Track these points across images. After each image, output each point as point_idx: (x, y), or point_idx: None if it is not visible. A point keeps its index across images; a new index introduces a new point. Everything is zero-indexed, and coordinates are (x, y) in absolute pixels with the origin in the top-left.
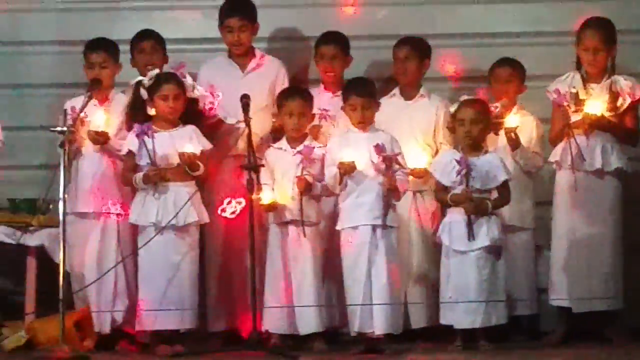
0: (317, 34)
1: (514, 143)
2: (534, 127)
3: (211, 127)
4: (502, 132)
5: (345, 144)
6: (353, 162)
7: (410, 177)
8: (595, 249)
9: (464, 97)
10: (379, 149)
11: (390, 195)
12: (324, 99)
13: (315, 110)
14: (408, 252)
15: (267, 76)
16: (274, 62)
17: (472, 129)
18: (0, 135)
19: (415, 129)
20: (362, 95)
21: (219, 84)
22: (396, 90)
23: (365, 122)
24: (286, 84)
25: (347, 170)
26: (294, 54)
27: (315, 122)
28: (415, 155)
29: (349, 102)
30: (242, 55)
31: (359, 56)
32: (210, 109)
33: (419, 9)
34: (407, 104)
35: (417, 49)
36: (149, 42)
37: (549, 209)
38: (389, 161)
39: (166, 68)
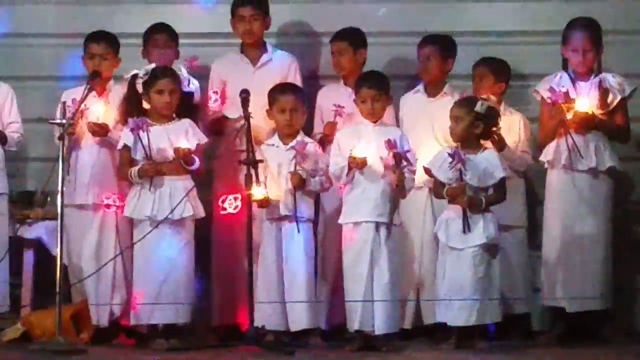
0: (328, 30)
1: (499, 145)
2: (522, 126)
3: (216, 123)
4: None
5: (354, 136)
6: (365, 157)
7: (425, 175)
8: (588, 248)
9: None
10: (390, 144)
11: (397, 192)
12: (343, 94)
13: (330, 107)
14: (421, 249)
15: (278, 71)
16: (285, 57)
17: (455, 127)
18: (21, 128)
19: (436, 126)
20: (373, 87)
21: (230, 79)
22: (420, 87)
23: (374, 114)
24: (298, 79)
25: (358, 165)
26: (305, 49)
27: (331, 118)
28: (433, 152)
29: (360, 94)
30: (253, 47)
31: (382, 52)
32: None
33: (431, 5)
34: (429, 101)
35: (440, 47)
36: (162, 36)
37: (538, 209)
38: (399, 157)
39: (177, 61)
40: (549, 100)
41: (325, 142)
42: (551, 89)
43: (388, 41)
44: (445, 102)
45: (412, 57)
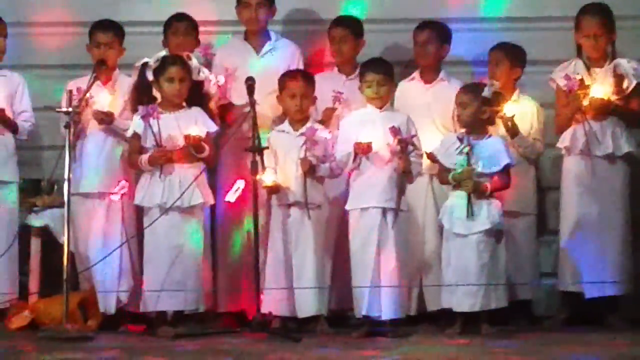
0: (333, 17)
1: (512, 131)
2: (535, 112)
3: (222, 110)
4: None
5: (361, 122)
6: (370, 142)
7: (427, 161)
8: (606, 234)
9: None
10: (395, 131)
11: (404, 178)
12: (339, 82)
13: (329, 93)
14: (423, 236)
15: (282, 58)
16: (289, 45)
17: (462, 112)
18: (32, 117)
19: (434, 112)
20: (378, 72)
21: (234, 66)
22: (416, 74)
23: (380, 99)
24: (301, 67)
25: (364, 151)
26: (310, 37)
27: (329, 104)
28: (432, 138)
29: (365, 78)
30: (257, 34)
31: (373, 39)
32: (220, 91)
33: None
34: (426, 87)
35: (437, 32)
36: (182, 24)
37: (550, 194)
38: (405, 144)
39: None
40: (564, 88)
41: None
42: (566, 77)
43: (390, 28)
44: (441, 88)
45: (407, 44)
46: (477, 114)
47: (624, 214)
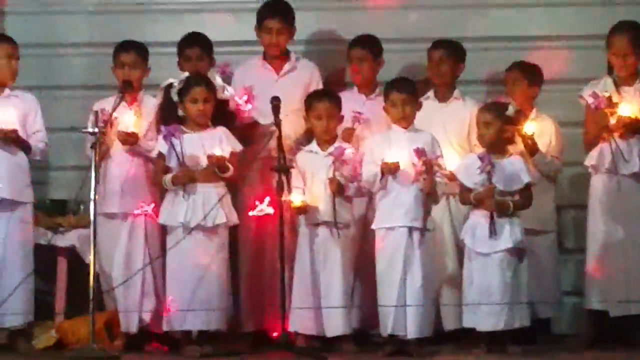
0: (352, 37)
1: (531, 149)
2: (553, 131)
3: (245, 128)
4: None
5: (386, 142)
6: (397, 162)
7: (444, 180)
8: (632, 252)
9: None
10: (419, 152)
11: (430, 199)
12: (358, 102)
13: (349, 113)
14: (441, 255)
15: (301, 79)
16: (308, 65)
17: (484, 132)
18: (46, 137)
19: (449, 131)
20: (402, 91)
21: (253, 86)
22: (430, 93)
23: (405, 119)
24: (320, 87)
25: (391, 170)
26: (330, 56)
27: (349, 124)
28: (448, 157)
29: (390, 98)
30: (277, 57)
31: (394, 59)
32: (241, 110)
33: (451, 12)
34: (441, 106)
35: (451, 51)
36: (194, 49)
37: (571, 212)
38: (430, 165)
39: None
40: (592, 106)
41: None
42: (593, 94)
43: (405, 48)
44: (456, 107)
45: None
46: (500, 134)
47: None
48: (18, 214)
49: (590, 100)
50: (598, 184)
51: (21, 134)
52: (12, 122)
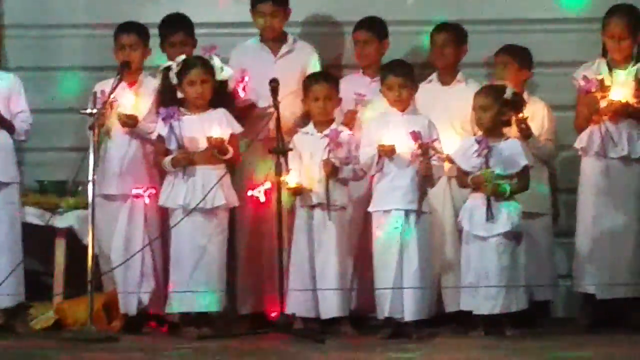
0: (351, 19)
1: (525, 132)
2: (545, 114)
3: (243, 110)
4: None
5: (383, 125)
6: (393, 145)
7: (446, 163)
8: (620, 235)
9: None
10: (415, 136)
11: (426, 182)
12: (363, 84)
13: (352, 95)
14: (441, 238)
15: (298, 61)
16: (305, 47)
17: (482, 115)
18: (30, 117)
19: (452, 114)
20: (399, 74)
21: (251, 68)
22: (434, 76)
23: (402, 102)
24: (317, 69)
25: (387, 153)
26: (328, 39)
27: (352, 106)
28: (451, 140)
29: (386, 81)
30: (273, 39)
31: (396, 41)
32: (236, 90)
33: None
34: (444, 89)
35: (454, 34)
36: (177, 36)
37: (565, 196)
38: (426, 148)
39: (197, 51)
40: (583, 89)
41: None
42: (584, 78)
43: (407, 30)
44: (459, 90)
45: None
46: (497, 117)
47: (638, 215)
48: (3, 194)
49: (582, 83)
50: (587, 167)
51: (4, 114)
52: None
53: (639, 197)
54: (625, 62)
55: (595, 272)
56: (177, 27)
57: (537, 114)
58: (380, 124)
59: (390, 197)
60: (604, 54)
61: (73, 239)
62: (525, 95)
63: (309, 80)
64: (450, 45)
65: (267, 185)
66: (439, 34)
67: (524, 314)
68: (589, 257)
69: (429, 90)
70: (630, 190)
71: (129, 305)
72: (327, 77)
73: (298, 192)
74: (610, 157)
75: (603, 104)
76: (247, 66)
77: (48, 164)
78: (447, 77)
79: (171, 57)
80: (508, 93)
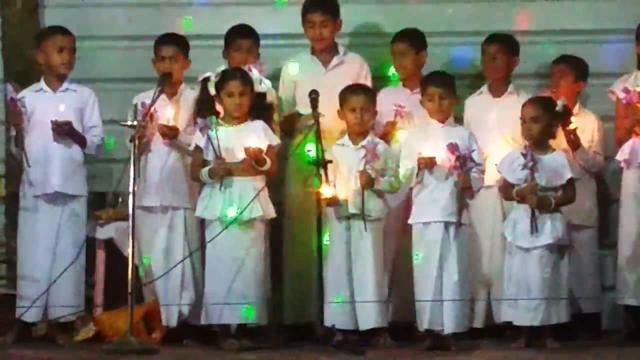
0: (399, 30)
1: (574, 144)
2: (596, 127)
3: (288, 119)
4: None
5: (423, 137)
6: (433, 157)
7: (498, 174)
8: None
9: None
10: (452, 147)
11: (464, 193)
12: (402, 96)
13: (391, 107)
14: (491, 248)
15: (349, 72)
16: (356, 58)
17: (532, 127)
18: (102, 132)
19: (504, 126)
20: (439, 85)
21: (301, 80)
22: (484, 88)
23: (442, 113)
24: (369, 80)
25: (427, 165)
26: (376, 50)
27: (390, 118)
28: (502, 152)
29: (427, 92)
30: (324, 51)
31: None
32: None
33: (497, 5)
34: (495, 101)
35: (506, 45)
36: (246, 42)
37: (612, 208)
38: (464, 160)
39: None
40: (623, 101)
41: (384, 141)
42: (625, 89)
43: (452, 41)
44: (511, 101)
45: (475, 57)
46: (547, 129)
47: None
48: (71, 207)
49: (622, 95)
50: (630, 179)
51: (77, 127)
52: (67, 115)
53: None
54: None
55: (637, 284)
56: (246, 34)
57: (587, 126)
58: (420, 136)
59: (430, 209)
60: (639, 65)
61: (113, 250)
62: (576, 107)
63: (346, 92)
64: (501, 56)
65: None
66: (490, 45)
67: (569, 326)
68: (631, 269)
69: (480, 102)
70: None
71: (169, 316)
72: (364, 89)
73: (333, 203)
74: None
75: None
76: (298, 78)
77: (89, 176)
78: (498, 88)
79: (234, 63)
80: (559, 105)
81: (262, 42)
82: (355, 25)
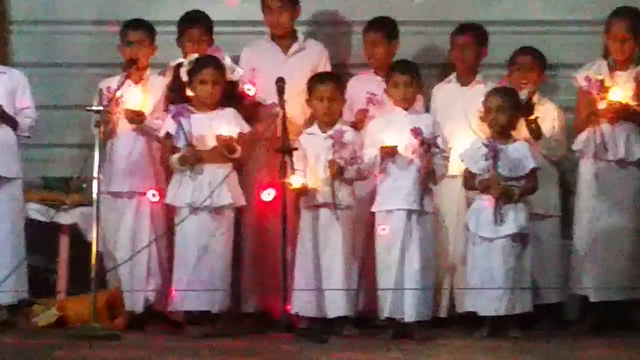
0: (360, 18)
1: (536, 133)
2: (556, 115)
3: (250, 108)
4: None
5: (387, 125)
6: (395, 146)
7: (461, 163)
8: (616, 238)
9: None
10: (416, 132)
11: (428, 179)
12: (374, 84)
13: (363, 94)
14: (454, 238)
15: (309, 60)
16: (316, 46)
17: (497, 117)
18: (34, 114)
19: (471, 115)
20: (404, 72)
21: (261, 67)
22: (452, 77)
23: (406, 101)
24: (328, 68)
25: (388, 154)
26: (337, 38)
27: (362, 105)
28: (468, 141)
29: (392, 79)
30: (283, 37)
31: (410, 42)
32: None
33: None
34: (463, 90)
35: (476, 35)
36: (196, 30)
37: (572, 198)
38: (427, 144)
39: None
40: (584, 89)
41: (355, 130)
42: (587, 78)
43: (418, 30)
44: (478, 91)
45: (442, 46)
46: (512, 119)
47: (634, 219)
48: (6, 190)
49: (583, 83)
50: (584, 169)
51: (8, 110)
52: None
53: (635, 199)
54: (626, 64)
55: (591, 274)
56: (196, 22)
57: (547, 115)
58: (383, 124)
59: (393, 197)
60: (605, 55)
61: (77, 236)
62: (536, 97)
63: (314, 81)
64: (471, 46)
65: (272, 191)
66: (461, 35)
67: (531, 316)
68: (584, 259)
69: (448, 91)
70: (626, 193)
71: (135, 302)
72: (332, 78)
73: (302, 192)
74: (607, 159)
75: (602, 105)
76: (257, 64)
77: (53, 161)
78: (466, 78)
79: (188, 51)
80: (523, 96)
81: (221, 28)
82: (317, 13)
